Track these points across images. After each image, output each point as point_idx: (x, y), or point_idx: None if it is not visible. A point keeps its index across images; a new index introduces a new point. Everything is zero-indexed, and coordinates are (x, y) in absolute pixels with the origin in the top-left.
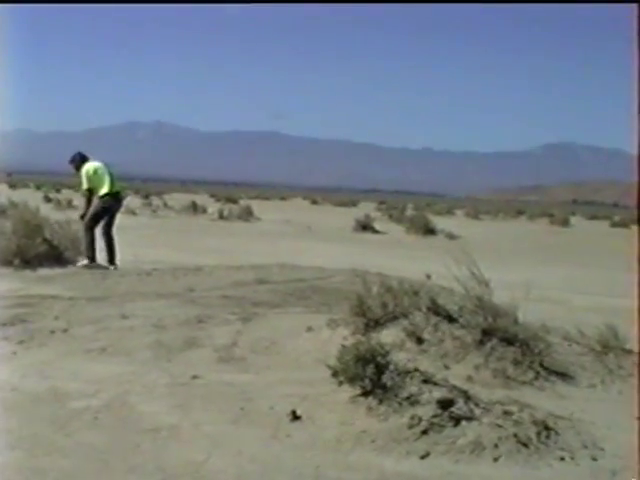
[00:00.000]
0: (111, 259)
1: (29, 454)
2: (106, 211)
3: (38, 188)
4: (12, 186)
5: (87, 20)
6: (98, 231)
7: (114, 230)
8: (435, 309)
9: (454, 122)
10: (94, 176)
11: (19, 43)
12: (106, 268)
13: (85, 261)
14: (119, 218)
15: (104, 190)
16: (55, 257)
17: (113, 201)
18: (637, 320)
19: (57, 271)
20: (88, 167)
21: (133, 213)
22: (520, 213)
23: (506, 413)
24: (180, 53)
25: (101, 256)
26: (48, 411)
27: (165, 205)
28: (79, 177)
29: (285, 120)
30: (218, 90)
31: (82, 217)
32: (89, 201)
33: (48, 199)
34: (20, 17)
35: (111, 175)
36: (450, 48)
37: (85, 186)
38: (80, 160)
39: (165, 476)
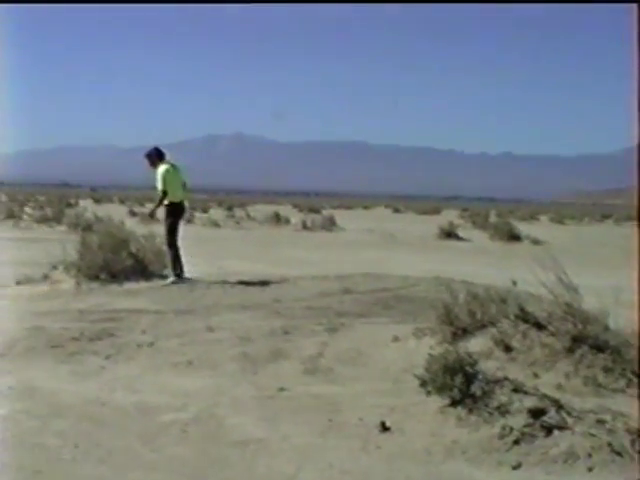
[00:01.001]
0: (175, 267)
1: (119, 468)
2: (177, 221)
3: (122, 202)
4: (97, 201)
5: (166, 36)
6: (162, 241)
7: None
8: (523, 316)
9: (535, 125)
10: (170, 179)
11: (101, 61)
12: (190, 280)
13: (171, 278)
14: (203, 230)
15: (174, 198)
16: (141, 271)
17: (178, 211)
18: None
19: (143, 284)
20: (166, 168)
21: (217, 225)
22: (606, 217)
23: (599, 422)
24: (259, 65)
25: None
26: (137, 425)
27: (248, 216)
28: (153, 172)
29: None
30: (298, 101)
31: (151, 215)
32: (161, 202)
33: (133, 213)
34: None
35: (180, 181)
36: (530, 50)
37: (160, 187)
38: (156, 156)
39: None
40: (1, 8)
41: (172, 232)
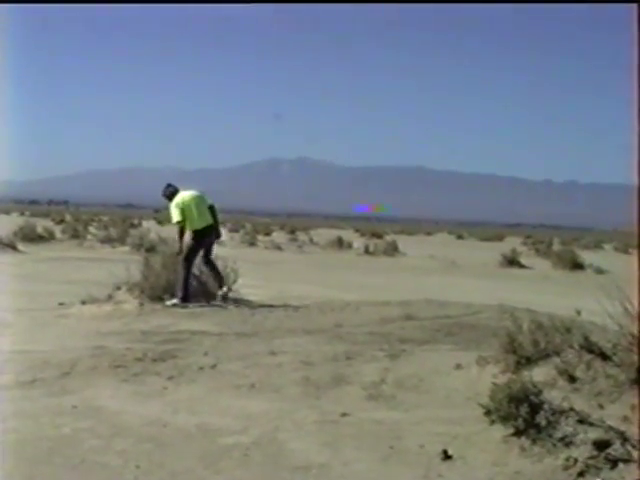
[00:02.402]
0: (220, 284)
1: None
2: (199, 246)
3: None
4: (159, 222)
5: (230, 55)
6: (199, 260)
7: (213, 257)
8: (588, 346)
9: (600, 153)
10: (185, 208)
11: (167, 82)
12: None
13: (175, 300)
14: (265, 253)
15: (194, 225)
16: (203, 292)
17: (203, 236)
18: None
19: (205, 306)
20: (177, 200)
21: (279, 249)
22: None
23: None
24: (320, 89)
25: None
26: (198, 447)
27: (311, 240)
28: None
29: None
30: (359, 124)
31: (178, 253)
32: (181, 235)
33: None
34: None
35: (204, 207)
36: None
37: (174, 220)
38: (171, 193)
39: None
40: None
41: (188, 256)
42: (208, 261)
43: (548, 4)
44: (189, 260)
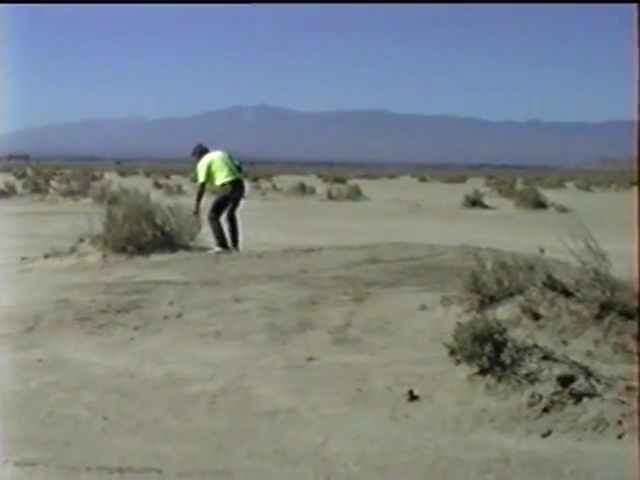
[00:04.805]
0: (234, 242)
1: (149, 440)
2: (227, 200)
3: (148, 175)
4: (122, 174)
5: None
6: (222, 215)
7: (238, 214)
8: (551, 284)
9: (561, 92)
10: (209, 168)
11: (127, 33)
12: (230, 251)
13: (217, 248)
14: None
15: (221, 179)
16: (167, 243)
17: (232, 189)
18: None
19: (170, 256)
20: (204, 160)
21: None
22: (633, 184)
23: (629, 389)
24: (280, 36)
25: (211, 239)
26: (166, 397)
27: (274, 187)
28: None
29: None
30: (320, 71)
31: (195, 213)
32: (200, 196)
33: (158, 185)
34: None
35: (231, 164)
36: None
37: (200, 180)
38: (200, 152)
39: (284, 459)
40: None
41: (217, 207)
42: (231, 217)
43: None
44: (216, 213)
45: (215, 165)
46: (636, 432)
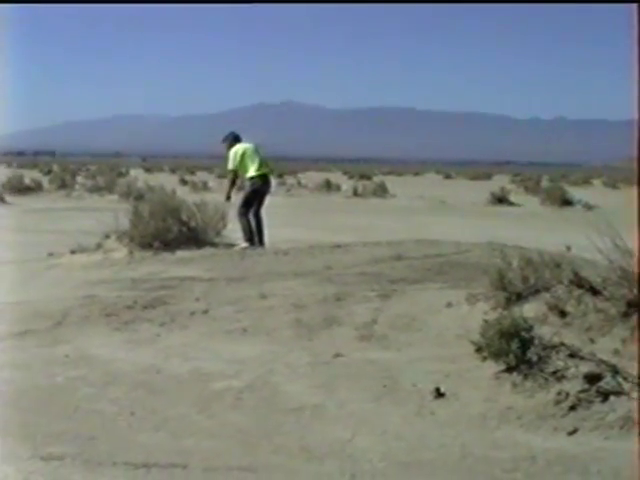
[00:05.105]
0: (260, 239)
1: (175, 435)
2: (256, 194)
3: (173, 171)
4: (147, 170)
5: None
6: (235, 212)
7: (263, 212)
8: (578, 281)
9: (588, 90)
10: (242, 158)
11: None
12: (256, 248)
13: (244, 244)
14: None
15: (251, 172)
16: (193, 239)
17: (261, 183)
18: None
19: (195, 253)
20: (237, 148)
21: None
22: None
23: None
24: (305, 32)
25: (238, 236)
26: (192, 392)
27: (299, 184)
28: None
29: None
30: (345, 67)
31: (227, 198)
32: (232, 183)
33: (184, 182)
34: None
35: (260, 157)
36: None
37: (230, 167)
38: (232, 140)
39: (310, 456)
40: None
41: (246, 203)
42: (257, 214)
43: None
44: (245, 208)
45: (248, 155)
46: None
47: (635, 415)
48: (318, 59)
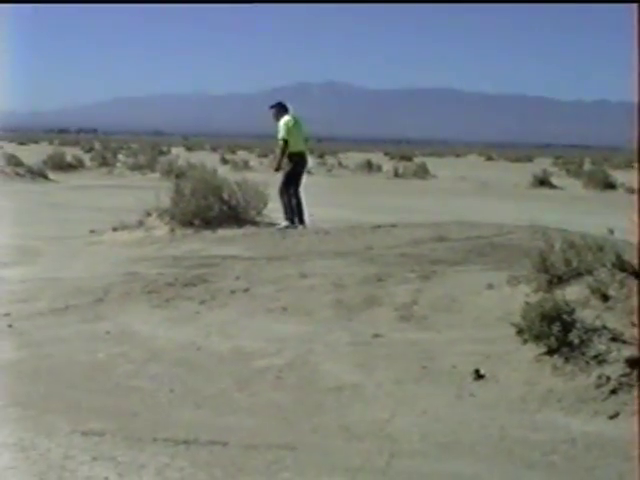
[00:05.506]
0: (300, 218)
1: (215, 413)
2: (297, 172)
3: (214, 150)
4: (189, 149)
5: None
6: (277, 190)
7: (301, 191)
8: (620, 265)
9: (631, 71)
10: (292, 129)
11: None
12: (297, 227)
13: (285, 223)
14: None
15: (294, 147)
16: (234, 217)
17: (300, 161)
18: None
19: (236, 231)
20: (288, 119)
21: (309, 172)
22: None
23: None
24: (347, 12)
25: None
26: (232, 370)
27: (340, 164)
28: (276, 125)
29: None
30: (386, 48)
31: (277, 169)
32: (283, 152)
33: (225, 161)
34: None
35: (304, 133)
36: None
37: (282, 136)
38: (281, 108)
39: (349, 435)
40: None
41: (288, 181)
42: (297, 193)
43: None
44: (287, 186)
45: (295, 129)
46: None
47: None
48: (359, 39)
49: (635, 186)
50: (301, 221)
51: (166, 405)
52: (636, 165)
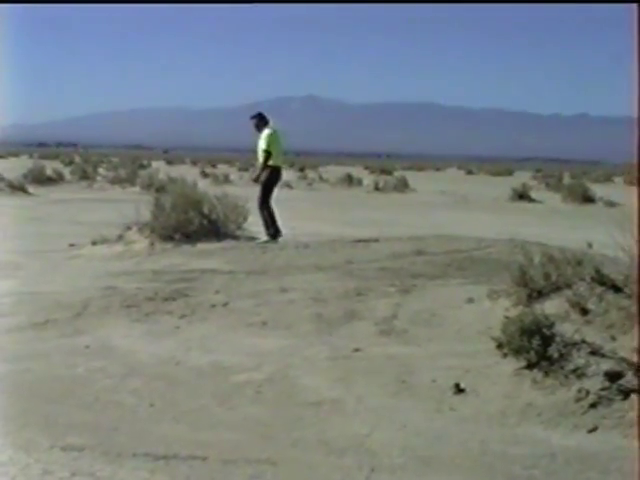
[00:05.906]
0: (276, 229)
1: (194, 427)
2: (273, 185)
3: (194, 164)
4: (169, 162)
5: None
6: (256, 204)
7: (272, 202)
8: (600, 279)
9: (610, 86)
10: (273, 142)
11: (174, 23)
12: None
13: (265, 237)
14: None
15: (274, 160)
16: (214, 231)
17: (277, 174)
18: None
19: (216, 245)
20: (271, 130)
21: (289, 186)
22: None
23: None
24: (327, 26)
25: (259, 229)
26: (212, 385)
27: (320, 178)
28: (257, 136)
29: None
30: (367, 62)
31: (255, 180)
32: (266, 162)
33: (205, 174)
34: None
35: (281, 147)
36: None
37: (264, 147)
38: (262, 119)
39: (329, 449)
40: None
41: (266, 195)
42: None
43: None
44: (266, 199)
45: (276, 142)
46: None
47: None
48: (339, 53)
49: (613, 199)
50: (277, 231)
51: (146, 420)
52: (615, 179)
